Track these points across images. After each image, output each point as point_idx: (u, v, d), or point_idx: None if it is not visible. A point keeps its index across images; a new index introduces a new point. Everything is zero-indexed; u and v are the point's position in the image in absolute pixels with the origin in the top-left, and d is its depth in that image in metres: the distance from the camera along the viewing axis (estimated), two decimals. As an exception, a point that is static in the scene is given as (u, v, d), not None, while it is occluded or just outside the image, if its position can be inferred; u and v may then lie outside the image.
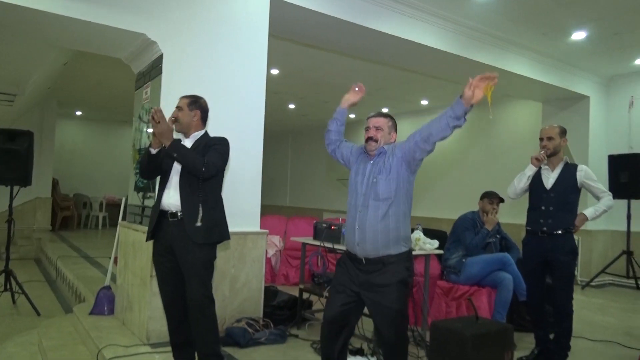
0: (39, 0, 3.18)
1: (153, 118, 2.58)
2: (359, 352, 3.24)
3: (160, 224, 2.78)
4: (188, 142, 2.84)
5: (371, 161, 2.57)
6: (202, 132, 2.90)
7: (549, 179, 3.43)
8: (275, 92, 9.04)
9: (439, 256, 4.35)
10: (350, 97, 2.75)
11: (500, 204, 4.25)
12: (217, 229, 2.78)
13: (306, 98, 9.66)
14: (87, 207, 12.37)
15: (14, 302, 5.52)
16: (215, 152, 2.75)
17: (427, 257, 3.78)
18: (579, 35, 5.66)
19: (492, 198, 4.17)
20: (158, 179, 2.95)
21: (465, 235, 4.16)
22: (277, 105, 10.25)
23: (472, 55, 5.64)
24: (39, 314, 5.16)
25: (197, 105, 2.86)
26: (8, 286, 5.45)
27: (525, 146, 7.60)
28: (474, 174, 9.04)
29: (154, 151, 2.72)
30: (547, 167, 3.48)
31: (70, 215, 11.68)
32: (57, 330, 4.08)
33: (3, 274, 5.41)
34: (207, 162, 2.65)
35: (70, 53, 5.58)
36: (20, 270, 7.43)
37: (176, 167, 2.76)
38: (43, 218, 10.43)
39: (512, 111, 8.80)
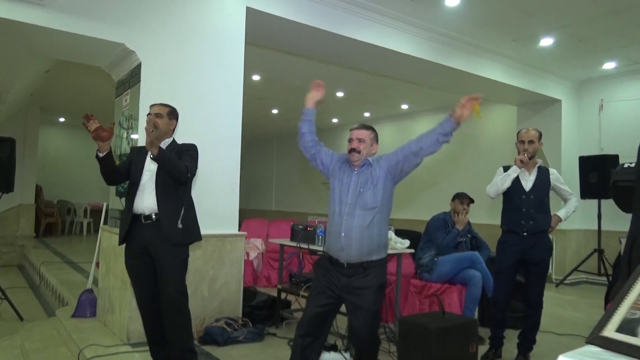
0: (20, 12, 3.29)
1: (153, 124, 2.72)
2: (332, 348, 3.37)
3: (133, 227, 2.88)
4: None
5: (356, 171, 2.67)
6: (171, 139, 3.01)
7: (527, 181, 3.56)
8: (258, 98, 9.17)
9: (413, 255, 4.51)
10: (314, 95, 2.78)
11: (471, 205, 4.44)
12: (192, 230, 2.91)
13: (289, 103, 9.79)
14: (72, 214, 12.36)
15: (-4, 307, 5.57)
16: (189, 157, 2.88)
17: (398, 256, 3.93)
18: (546, 42, 5.88)
19: (462, 199, 4.34)
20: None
21: (437, 235, 4.32)
22: (261, 110, 10.38)
23: (446, 62, 5.83)
24: (21, 319, 5.21)
25: (174, 116, 2.99)
26: (-8, 292, 5.49)
27: (501, 148, 7.83)
28: (449, 176, 9.26)
29: (101, 154, 2.77)
30: (522, 169, 3.63)
31: (55, 221, 11.67)
32: (39, 333, 4.16)
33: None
34: (185, 167, 2.78)
35: (52, 61, 5.67)
36: (3, 277, 7.45)
37: (147, 173, 2.87)
38: (26, 225, 10.41)
39: (488, 114, 9.04)
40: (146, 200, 2.84)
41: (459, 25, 5.49)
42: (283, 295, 4.28)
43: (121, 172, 2.92)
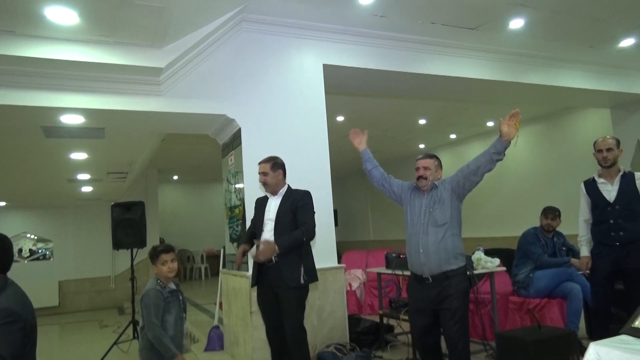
0: (142, 103, 4.06)
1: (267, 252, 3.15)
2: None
3: (260, 270, 3.34)
4: (276, 199, 3.38)
5: (426, 195, 3.11)
6: (286, 187, 3.43)
7: (610, 192, 3.57)
8: (344, 136, 9.60)
9: (510, 273, 4.60)
10: (359, 141, 3.45)
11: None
12: (309, 273, 3.29)
13: (374, 136, 10.20)
14: (191, 260, 13.67)
15: (141, 348, 6.44)
16: (305, 212, 3.27)
17: (490, 275, 4.08)
18: (627, 42, 5.75)
19: (546, 213, 4.40)
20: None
21: (531, 250, 4.38)
22: (348, 146, 10.80)
23: (522, 79, 5.89)
24: (162, 357, 5.99)
25: (278, 165, 3.40)
26: (136, 335, 6.39)
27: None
28: (543, 188, 9.02)
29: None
30: (603, 180, 3.64)
31: (177, 269, 12.98)
32: (180, 367, 4.83)
33: (131, 325, 6.37)
34: (305, 230, 3.20)
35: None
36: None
37: (268, 223, 3.32)
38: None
39: (579, 120, 8.74)
40: None
41: (528, 43, 5.59)
42: (385, 320, 4.59)
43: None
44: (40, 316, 10.19)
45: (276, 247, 3.12)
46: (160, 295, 2.82)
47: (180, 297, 2.96)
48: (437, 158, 3.18)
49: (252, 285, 3.45)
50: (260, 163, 3.44)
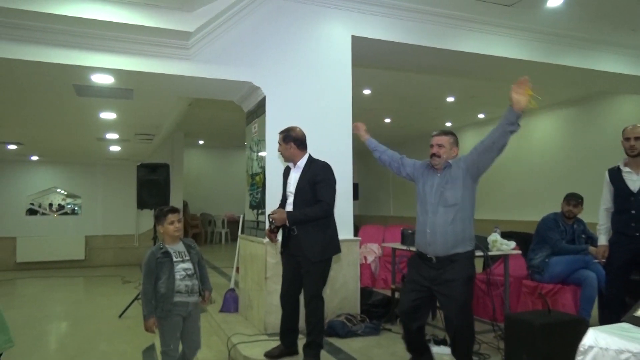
0: (171, 67, 4.12)
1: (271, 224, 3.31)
2: (442, 342, 3.66)
3: (288, 236, 3.41)
4: (296, 172, 3.40)
5: (439, 174, 3.00)
6: (306, 157, 3.41)
7: (635, 182, 3.51)
8: (370, 110, 9.62)
9: (525, 257, 4.58)
10: (361, 135, 3.58)
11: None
12: (330, 246, 3.35)
13: (400, 111, 10.11)
14: (212, 225, 13.98)
15: (161, 304, 6.69)
16: (324, 188, 3.28)
17: (505, 257, 4.08)
18: (672, 27, 5.50)
19: (568, 199, 4.33)
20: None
21: (549, 235, 4.34)
22: (374, 120, 10.80)
23: (557, 60, 5.70)
24: (180, 314, 6.22)
25: (289, 138, 3.39)
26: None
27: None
28: (575, 174, 8.82)
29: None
30: (629, 169, 3.56)
31: (199, 232, 13.33)
32: (196, 325, 5.02)
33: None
34: (320, 208, 3.23)
35: (193, 96, 6.71)
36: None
37: (290, 195, 3.38)
38: (177, 236, 12.03)
39: (612, 107, 8.45)
40: None
41: (567, 23, 5.39)
42: (397, 295, 4.65)
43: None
44: (67, 268, 10.65)
45: (286, 219, 3.22)
46: (153, 257, 2.93)
47: (183, 257, 3.02)
48: (453, 135, 3.03)
49: (280, 252, 3.53)
50: (279, 133, 3.49)
